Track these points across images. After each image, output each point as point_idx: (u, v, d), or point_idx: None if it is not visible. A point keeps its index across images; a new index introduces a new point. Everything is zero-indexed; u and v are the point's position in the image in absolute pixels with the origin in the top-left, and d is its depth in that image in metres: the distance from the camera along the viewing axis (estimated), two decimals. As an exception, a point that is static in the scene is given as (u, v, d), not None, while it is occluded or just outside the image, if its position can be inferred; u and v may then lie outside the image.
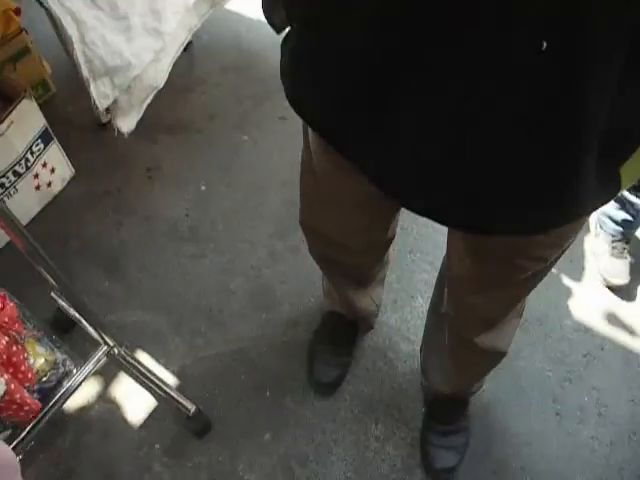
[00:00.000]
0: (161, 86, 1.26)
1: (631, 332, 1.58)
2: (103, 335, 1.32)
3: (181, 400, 1.38)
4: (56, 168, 1.76)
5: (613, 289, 1.62)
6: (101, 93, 1.05)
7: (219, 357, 1.51)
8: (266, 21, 0.77)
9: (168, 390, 1.39)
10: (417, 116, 0.58)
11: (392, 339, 1.54)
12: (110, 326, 1.34)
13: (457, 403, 1.38)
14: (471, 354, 1.12)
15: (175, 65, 1.51)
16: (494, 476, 1.38)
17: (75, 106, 1.96)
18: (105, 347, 1.36)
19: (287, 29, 0.74)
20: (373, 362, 1.52)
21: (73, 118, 1.94)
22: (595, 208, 0.66)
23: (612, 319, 1.59)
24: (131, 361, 1.40)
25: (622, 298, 1.61)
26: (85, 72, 1.00)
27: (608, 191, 0.64)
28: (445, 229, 0.85)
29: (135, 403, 1.46)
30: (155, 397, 1.45)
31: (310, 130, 0.83)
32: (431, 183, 0.63)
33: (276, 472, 1.37)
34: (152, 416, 1.44)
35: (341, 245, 1.05)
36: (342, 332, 1.48)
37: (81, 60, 0.98)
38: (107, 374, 1.48)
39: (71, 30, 0.93)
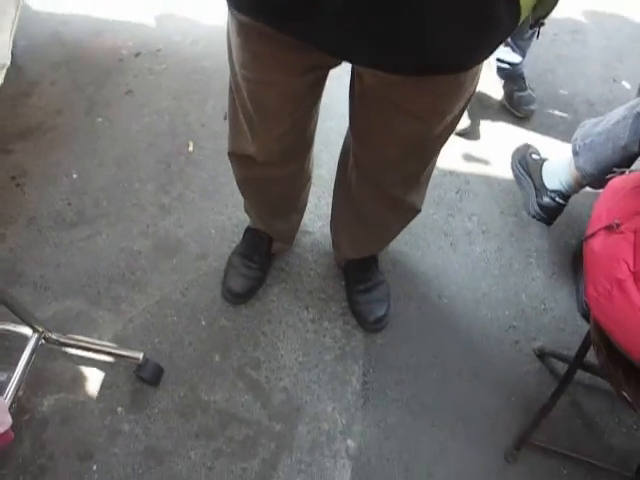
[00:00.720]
0: (8, 63, 1.28)
1: (485, 162, 1.84)
2: (33, 323, 1.33)
3: (127, 353, 1.43)
4: None
5: (460, 134, 1.86)
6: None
7: (147, 311, 1.57)
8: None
9: (112, 350, 1.44)
10: None
11: (294, 238, 1.68)
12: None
13: (369, 261, 1.55)
14: (394, 215, 1.28)
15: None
16: (419, 311, 1.57)
17: None
18: (36, 335, 1.38)
19: None
20: (285, 261, 1.65)
21: None
22: (505, 38, 0.75)
23: (467, 158, 1.84)
24: (66, 340, 1.43)
25: (469, 139, 1.87)
26: None
27: (513, 19, 0.71)
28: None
29: (80, 383, 1.48)
30: (99, 367, 1.48)
31: (241, 32, 0.92)
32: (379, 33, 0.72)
33: (237, 384, 1.46)
34: (103, 386, 1.47)
35: (264, 159, 1.18)
36: (258, 247, 1.57)
37: None
38: (43, 367, 1.49)
39: None
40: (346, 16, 0.70)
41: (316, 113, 1.17)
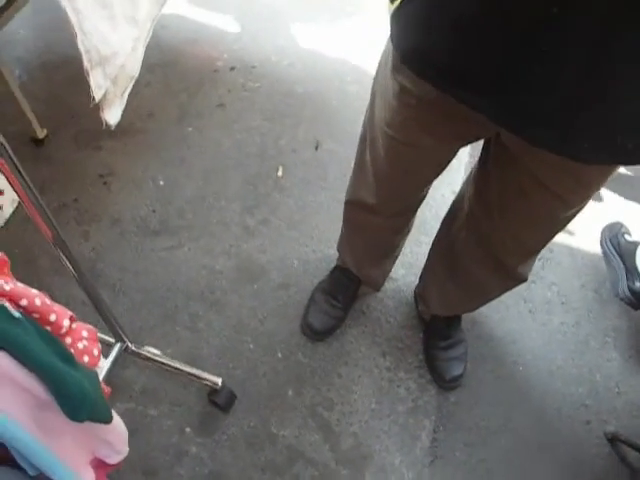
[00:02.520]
0: (137, 75, 1.30)
1: (570, 233, 1.83)
2: (120, 331, 1.33)
3: (206, 376, 1.43)
4: (4, 190, 1.71)
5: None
6: (96, 83, 1.08)
7: (223, 334, 1.57)
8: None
9: (191, 371, 1.43)
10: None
11: (377, 281, 1.68)
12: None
13: (455, 318, 1.55)
14: (499, 281, 1.28)
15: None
16: (493, 374, 1.57)
17: (5, 125, 1.90)
18: (118, 344, 1.38)
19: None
20: (366, 304, 1.65)
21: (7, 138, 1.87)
22: None
23: (553, 225, 1.84)
24: (148, 355, 1.42)
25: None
26: (85, 62, 1.02)
27: None
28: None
29: (151, 396, 1.48)
30: (172, 383, 1.48)
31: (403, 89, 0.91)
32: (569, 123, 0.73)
33: (307, 422, 1.46)
34: (173, 403, 1.47)
35: (382, 210, 1.21)
36: (344, 287, 1.58)
37: (82, 49, 1.01)
38: (115, 374, 1.48)
39: (73, 19, 0.96)
40: (524, 94, 0.71)
41: (438, 175, 1.18)
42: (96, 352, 0.94)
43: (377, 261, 1.48)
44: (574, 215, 1.04)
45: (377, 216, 1.26)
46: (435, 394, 1.53)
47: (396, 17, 0.81)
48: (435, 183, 1.18)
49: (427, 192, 1.26)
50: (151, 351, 1.45)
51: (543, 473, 1.46)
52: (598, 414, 1.54)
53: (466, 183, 1.23)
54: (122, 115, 1.99)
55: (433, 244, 1.45)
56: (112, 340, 1.38)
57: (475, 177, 1.15)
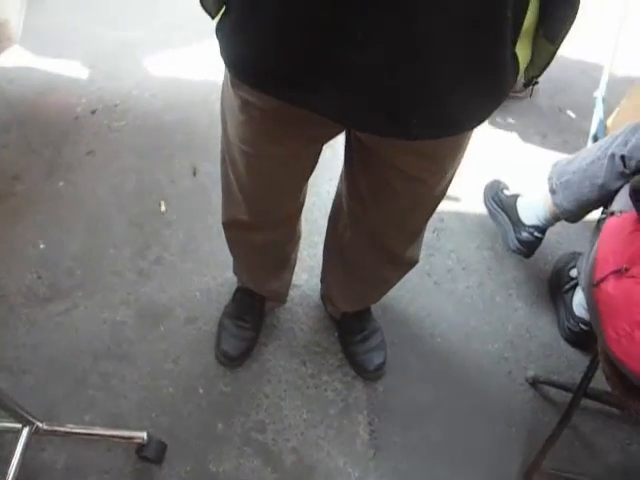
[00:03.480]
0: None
1: (455, 199, 1.90)
2: (24, 414, 1.26)
3: (129, 434, 1.38)
4: None
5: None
6: None
7: (139, 385, 1.52)
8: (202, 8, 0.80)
9: (112, 433, 1.38)
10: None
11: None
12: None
13: (363, 311, 1.56)
14: (394, 269, 1.30)
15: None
16: (414, 352, 1.60)
17: None
18: (27, 428, 1.30)
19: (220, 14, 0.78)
20: (276, 318, 1.64)
21: None
22: (506, 97, 0.78)
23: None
24: (61, 429, 1.35)
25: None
26: None
27: (514, 72, 0.73)
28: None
29: (76, 472, 1.39)
30: (95, 451, 1.41)
31: (242, 103, 0.91)
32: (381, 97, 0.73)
33: (244, 451, 1.44)
34: (102, 471, 1.40)
35: (269, 222, 1.19)
36: (249, 307, 1.56)
37: None
38: (31, 458, 1.39)
39: None
40: (347, 83, 0.72)
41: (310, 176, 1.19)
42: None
43: (274, 274, 1.47)
44: (444, 192, 1.07)
45: (257, 232, 1.24)
46: (363, 388, 1.54)
47: (219, 31, 0.79)
48: (317, 180, 1.17)
49: (304, 199, 1.26)
50: (66, 425, 1.38)
51: (482, 433, 1.51)
52: (517, 362, 1.62)
53: (340, 181, 1.24)
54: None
55: (324, 245, 1.46)
56: (18, 426, 1.30)
57: (344, 174, 1.16)
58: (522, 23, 0.68)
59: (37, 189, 1.86)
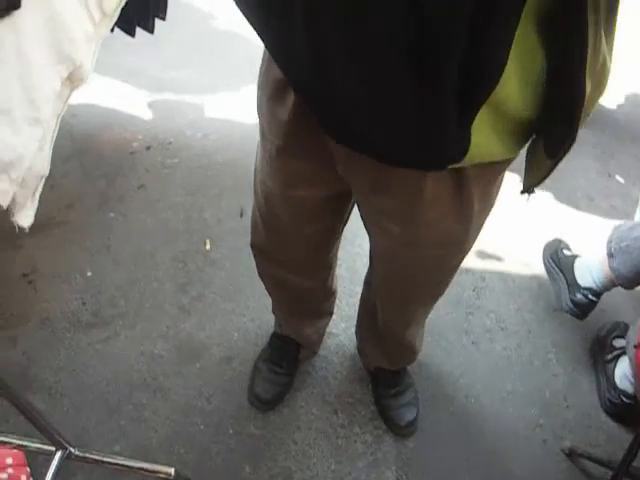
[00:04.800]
0: (47, 173, 1.29)
1: (498, 259, 1.89)
2: (59, 438, 1.28)
3: (157, 468, 1.37)
4: None
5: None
6: (2, 191, 1.06)
7: (171, 419, 1.53)
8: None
9: (141, 465, 1.38)
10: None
11: (319, 338, 1.68)
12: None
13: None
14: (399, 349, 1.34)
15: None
16: (447, 411, 1.58)
17: None
18: (60, 452, 1.31)
19: None
20: (311, 365, 1.64)
21: None
22: (447, 161, 0.71)
23: (481, 254, 1.89)
24: (93, 457, 1.36)
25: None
26: (-16, 173, 1.01)
27: (459, 145, 0.67)
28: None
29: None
30: (126, 481, 1.42)
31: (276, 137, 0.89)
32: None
33: (268, 496, 1.42)
34: (127, 503, 1.41)
35: (292, 264, 1.19)
36: (284, 353, 1.57)
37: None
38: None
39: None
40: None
41: (337, 235, 1.19)
42: (24, 478, 0.90)
43: (306, 320, 1.48)
44: (457, 265, 1.05)
45: (281, 268, 1.24)
46: (393, 443, 1.52)
47: None
48: (362, 231, 1.16)
49: (332, 261, 1.28)
50: (96, 453, 1.39)
51: (511, 502, 1.46)
52: (553, 431, 1.57)
53: None
54: (41, 209, 1.96)
55: (360, 300, 1.46)
56: (52, 449, 1.32)
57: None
58: (478, 98, 0.62)
59: (89, 218, 1.93)
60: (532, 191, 0.79)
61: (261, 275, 1.37)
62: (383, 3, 0.56)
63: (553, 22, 0.59)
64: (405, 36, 0.57)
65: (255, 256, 1.31)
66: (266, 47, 0.78)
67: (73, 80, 1.33)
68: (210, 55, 2.56)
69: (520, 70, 0.61)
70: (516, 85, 0.63)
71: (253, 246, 1.28)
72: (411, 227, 0.90)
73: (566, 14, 0.57)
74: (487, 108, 0.63)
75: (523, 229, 1.94)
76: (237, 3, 0.74)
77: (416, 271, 1.03)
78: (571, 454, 1.52)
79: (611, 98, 2.58)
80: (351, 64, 0.63)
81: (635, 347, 1.05)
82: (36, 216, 1.92)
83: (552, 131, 0.69)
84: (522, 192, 0.80)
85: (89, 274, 1.80)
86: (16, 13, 1.08)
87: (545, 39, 0.61)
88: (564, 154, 0.68)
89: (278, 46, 0.74)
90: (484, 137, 0.67)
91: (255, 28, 0.74)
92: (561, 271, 1.69)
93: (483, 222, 0.93)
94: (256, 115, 0.93)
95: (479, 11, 0.54)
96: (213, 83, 2.44)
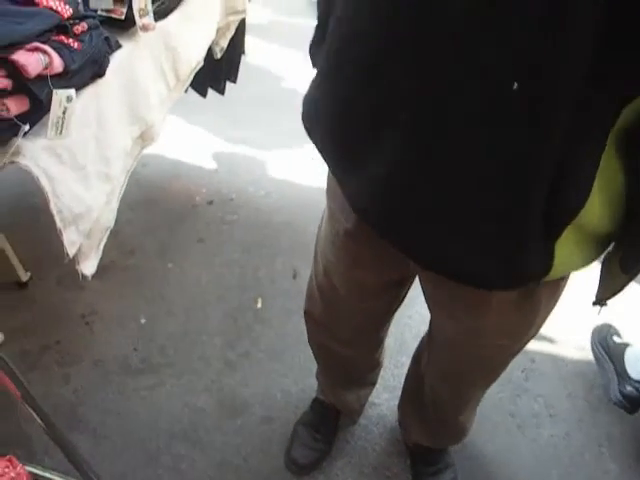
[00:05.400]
0: (112, 226, 1.37)
1: (550, 340, 1.84)
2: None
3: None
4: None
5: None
6: (70, 241, 1.14)
7: (207, 474, 1.53)
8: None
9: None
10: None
11: (361, 406, 1.66)
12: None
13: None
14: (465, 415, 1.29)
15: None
16: (488, 498, 1.51)
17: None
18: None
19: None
20: (350, 434, 1.62)
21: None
22: (532, 279, 0.71)
23: (532, 334, 1.85)
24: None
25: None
26: (58, 222, 1.09)
27: (543, 264, 0.68)
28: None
29: None
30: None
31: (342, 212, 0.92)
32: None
33: None
34: None
35: (344, 335, 1.21)
36: (324, 419, 1.56)
37: (54, 212, 1.08)
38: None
39: (46, 187, 1.04)
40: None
41: (392, 312, 1.20)
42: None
43: (349, 388, 1.48)
44: (514, 354, 1.05)
45: (332, 338, 1.26)
46: (428, 524, 1.47)
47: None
48: (411, 301, 1.16)
49: (384, 333, 1.29)
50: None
51: None
52: (599, 534, 1.48)
53: None
54: (104, 253, 2.07)
55: (407, 375, 1.45)
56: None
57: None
58: (563, 222, 0.63)
59: (149, 266, 2.01)
60: (604, 304, 0.79)
61: (310, 341, 1.39)
62: (467, 145, 0.60)
63: (630, 137, 0.60)
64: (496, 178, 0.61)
65: (307, 322, 1.34)
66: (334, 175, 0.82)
67: (144, 139, 1.43)
68: (277, 117, 2.67)
69: (602, 189, 0.63)
70: (598, 204, 0.64)
71: (306, 313, 1.31)
72: (478, 317, 0.89)
73: None
74: (570, 227, 0.64)
75: (579, 311, 1.88)
76: (317, 147, 0.81)
77: (476, 358, 1.03)
78: None
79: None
80: (438, 196, 0.65)
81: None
82: (101, 259, 2.03)
83: (629, 246, 0.69)
84: (594, 304, 0.80)
85: (143, 321, 1.86)
86: (100, 81, 1.19)
87: (622, 155, 0.62)
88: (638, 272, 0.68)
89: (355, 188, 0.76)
90: (566, 253, 0.68)
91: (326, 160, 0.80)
92: (610, 359, 1.63)
93: (549, 314, 0.92)
94: (317, 178, 0.96)
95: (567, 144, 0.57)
96: (280, 142, 2.54)
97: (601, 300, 0.78)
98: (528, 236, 0.64)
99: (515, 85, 0.53)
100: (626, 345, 1.64)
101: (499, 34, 0.53)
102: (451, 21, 0.55)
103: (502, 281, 0.71)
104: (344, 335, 1.23)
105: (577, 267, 0.73)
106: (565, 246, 0.67)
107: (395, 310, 1.17)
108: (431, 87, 0.60)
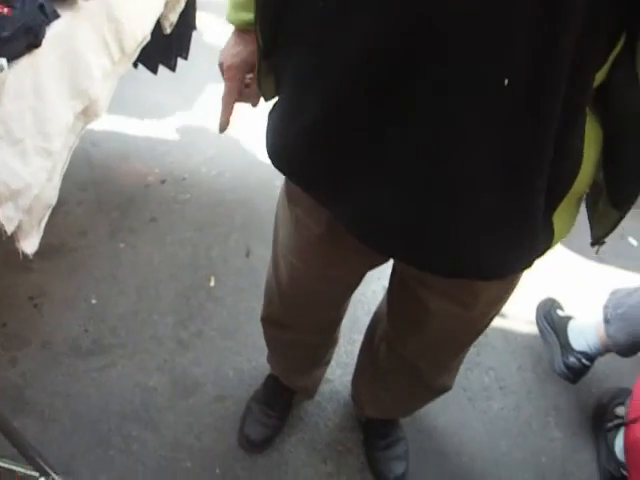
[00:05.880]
0: (54, 203, 1.33)
1: (501, 316, 1.87)
2: (43, 465, 1.28)
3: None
4: None
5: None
6: (7, 218, 1.10)
7: (159, 454, 1.52)
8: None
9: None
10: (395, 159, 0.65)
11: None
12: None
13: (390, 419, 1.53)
14: (423, 393, 1.28)
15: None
16: (438, 468, 1.54)
17: None
18: (44, 477, 1.31)
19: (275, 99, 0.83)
20: (304, 410, 1.62)
21: None
22: (539, 255, 0.74)
23: (484, 309, 1.88)
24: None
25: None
26: (-6, 198, 1.05)
27: (547, 238, 0.72)
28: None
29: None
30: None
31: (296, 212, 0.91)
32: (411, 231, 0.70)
33: (248, 541, 1.40)
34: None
35: (306, 327, 1.21)
36: (278, 396, 1.56)
37: (-12, 186, 1.04)
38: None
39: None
40: (382, 202, 0.69)
41: (353, 293, 1.19)
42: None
43: (306, 372, 1.48)
44: (484, 327, 1.03)
45: (294, 334, 1.26)
46: (381, 497, 1.48)
47: (269, 115, 0.83)
48: (365, 278, 1.17)
49: (346, 309, 1.28)
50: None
51: None
52: (547, 500, 1.52)
53: (386, 293, 1.21)
54: (54, 235, 2.01)
55: (360, 350, 1.45)
56: (36, 474, 1.32)
57: (388, 291, 1.15)
58: (563, 195, 0.67)
59: (99, 247, 1.97)
60: (603, 242, 0.81)
61: (269, 343, 1.40)
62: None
63: (600, 92, 0.63)
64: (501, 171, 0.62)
65: (266, 327, 1.34)
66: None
67: (88, 115, 1.38)
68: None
69: (588, 153, 0.65)
70: (587, 168, 0.67)
71: (265, 319, 1.30)
72: (469, 302, 0.90)
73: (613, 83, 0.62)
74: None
75: (528, 286, 1.92)
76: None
77: (460, 330, 1.02)
78: (563, 524, 1.47)
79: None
80: (445, 198, 0.65)
81: (625, 424, 1.03)
82: (48, 241, 1.97)
83: (618, 185, 0.71)
84: (592, 244, 0.82)
85: (94, 302, 1.82)
86: (36, 51, 1.14)
87: (596, 111, 0.65)
88: (631, 205, 0.70)
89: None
90: (561, 222, 0.72)
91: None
92: (554, 332, 1.67)
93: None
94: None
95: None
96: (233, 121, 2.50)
97: (599, 239, 0.79)
98: (536, 218, 0.67)
99: (506, 81, 0.55)
100: (569, 318, 1.68)
101: (488, 33, 0.54)
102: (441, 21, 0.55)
103: (514, 267, 0.74)
104: (307, 327, 1.24)
105: (568, 231, 0.77)
106: (560, 216, 0.71)
107: (356, 288, 1.16)
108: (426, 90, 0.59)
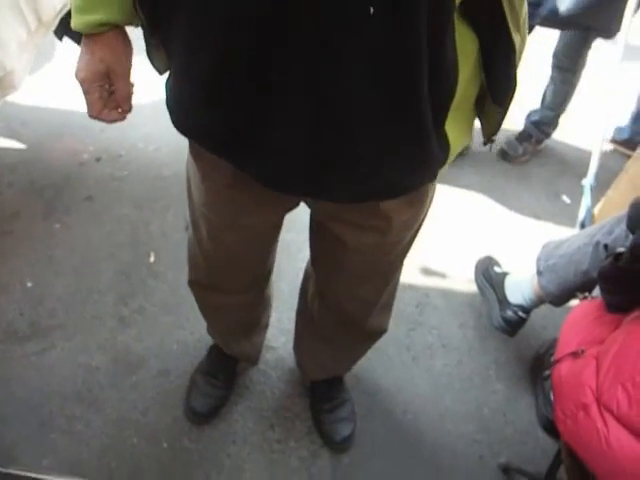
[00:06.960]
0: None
1: (442, 276, 1.91)
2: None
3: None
4: None
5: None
6: None
7: (104, 433, 1.50)
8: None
9: (65, 481, 1.35)
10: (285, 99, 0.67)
11: (258, 352, 1.67)
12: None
13: (335, 380, 1.55)
14: (356, 338, 1.30)
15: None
16: (384, 427, 1.57)
17: None
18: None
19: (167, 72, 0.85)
20: (249, 379, 1.62)
21: None
22: (439, 166, 0.78)
23: (426, 271, 1.91)
24: (15, 473, 1.33)
25: (428, 252, 1.95)
26: None
27: (443, 149, 0.75)
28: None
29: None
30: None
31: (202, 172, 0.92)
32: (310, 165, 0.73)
33: (199, 511, 1.40)
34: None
35: (234, 284, 1.20)
36: (222, 365, 1.56)
37: None
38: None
39: None
40: (279, 145, 0.72)
41: (277, 243, 1.20)
42: None
43: (243, 336, 1.47)
44: (399, 258, 1.06)
45: (221, 294, 1.24)
46: (328, 458, 1.50)
47: (166, 83, 0.84)
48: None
49: (271, 265, 1.28)
50: (21, 468, 1.35)
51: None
52: (490, 447, 1.57)
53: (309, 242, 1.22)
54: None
55: (296, 312, 1.46)
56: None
57: (309, 239, 1.16)
58: (448, 105, 0.71)
59: (33, 229, 1.91)
60: (492, 140, 0.86)
61: (201, 308, 1.40)
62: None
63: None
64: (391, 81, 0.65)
65: (195, 291, 1.33)
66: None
67: (4, 87, 1.33)
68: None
69: (463, 59, 0.69)
70: (464, 73, 0.70)
71: (192, 282, 1.29)
72: (384, 228, 0.92)
73: None
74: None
75: (468, 246, 1.97)
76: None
77: (380, 263, 1.04)
78: (506, 470, 1.53)
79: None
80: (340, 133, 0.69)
81: (552, 366, 1.07)
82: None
83: (495, 85, 0.76)
84: (485, 143, 0.87)
85: (29, 285, 1.77)
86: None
87: (465, 18, 0.68)
88: (511, 100, 0.76)
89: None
90: (455, 131, 0.76)
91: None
92: (492, 288, 1.71)
93: (432, 202, 0.96)
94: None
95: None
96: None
97: (489, 138, 0.85)
98: (426, 131, 0.70)
99: (372, 10, 0.57)
100: (505, 274, 1.73)
101: None
102: None
103: (415, 181, 0.79)
104: (235, 285, 1.22)
105: (467, 140, 0.82)
106: (453, 126, 0.74)
107: (278, 237, 1.16)
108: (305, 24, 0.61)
